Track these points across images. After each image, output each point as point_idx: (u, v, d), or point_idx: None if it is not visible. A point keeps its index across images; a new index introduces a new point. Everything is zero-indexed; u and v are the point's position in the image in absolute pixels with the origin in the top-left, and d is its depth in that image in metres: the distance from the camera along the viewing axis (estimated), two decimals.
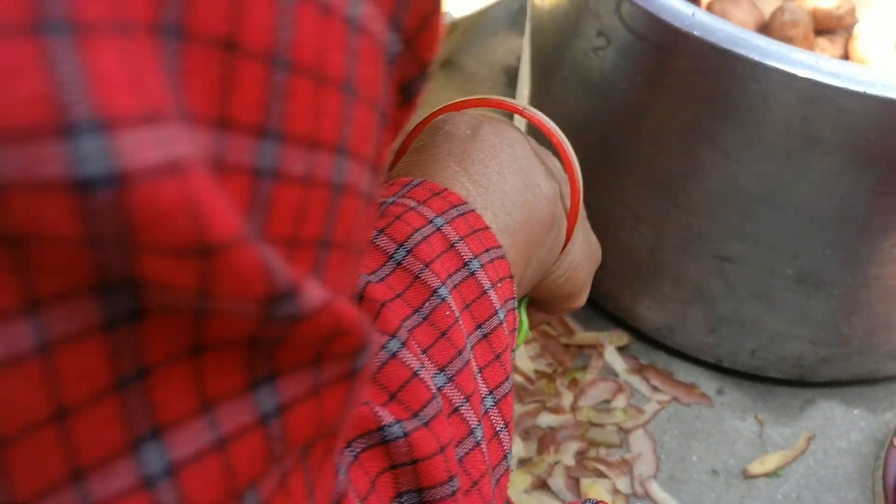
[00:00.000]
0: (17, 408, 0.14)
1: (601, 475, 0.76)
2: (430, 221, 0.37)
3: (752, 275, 0.68)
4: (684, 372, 0.82)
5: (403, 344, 0.32)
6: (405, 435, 0.30)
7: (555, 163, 0.47)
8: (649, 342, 0.84)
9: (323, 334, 0.19)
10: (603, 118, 0.70)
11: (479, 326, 0.37)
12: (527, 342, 0.83)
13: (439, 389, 0.34)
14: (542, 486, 0.75)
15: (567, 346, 0.83)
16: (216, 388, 0.18)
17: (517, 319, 0.40)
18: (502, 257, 0.39)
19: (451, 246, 0.37)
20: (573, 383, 0.81)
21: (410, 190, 0.39)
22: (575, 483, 0.75)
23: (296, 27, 0.16)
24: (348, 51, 0.19)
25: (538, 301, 0.50)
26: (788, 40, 0.91)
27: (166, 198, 0.14)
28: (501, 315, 0.38)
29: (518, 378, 0.81)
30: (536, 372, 0.82)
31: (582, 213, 0.48)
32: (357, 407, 0.24)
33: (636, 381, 0.82)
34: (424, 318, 0.34)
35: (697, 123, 0.62)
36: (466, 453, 0.34)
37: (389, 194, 0.39)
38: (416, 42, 0.23)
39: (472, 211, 0.38)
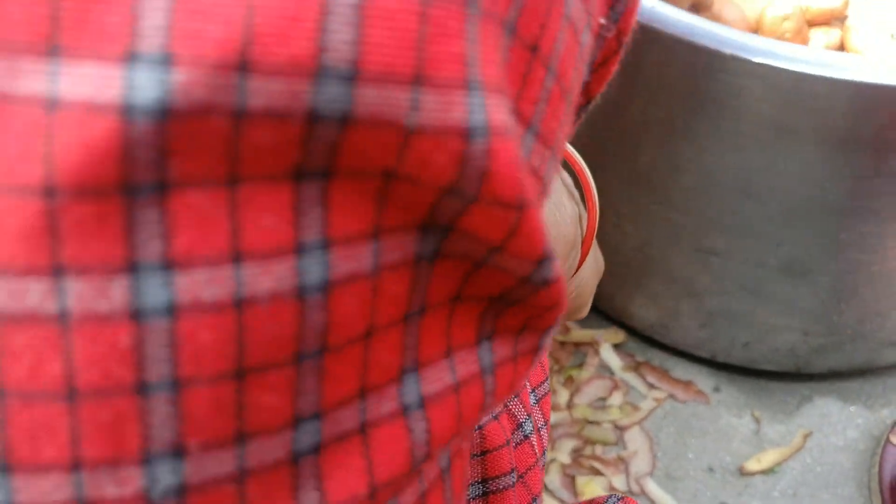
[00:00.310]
0: (344, 320, 0.15)
1: (597, 473, 0.76)
2: None
3: (737, 267, 0.69)
4: (680, 369, 0.83)
5: None
6: (479, 427, 0.31)
7: (573, 186, 0.50)
8: (645, 339, 0.84)
9: (546, 304, 0.19)
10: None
11: None
12: None
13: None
14: None
15: (563, 343, 0.84)
16: (457, 336, 0.19)
17: None
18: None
19: None
20: (569, 381, 0.82)
21: None
22: (571, 481, 0.76)
23: (561, 43, 0.18)
24: (580, 54, 0.20)
25: None
26: (782, 34, 0.92)
27: (509, 154, 0.15)
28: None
29: None
30: None
31: None
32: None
33: (632, 378, 0.82)
34: None
35: (672, 118, 0.63)
36: (515, 446, 0.35)
37: None
38: (622, 22, 0.24)
39: None
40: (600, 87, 0.26)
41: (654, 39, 0.59)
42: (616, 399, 0.81)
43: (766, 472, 0.76)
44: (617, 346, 0.84)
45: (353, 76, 0.13)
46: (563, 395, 0.80)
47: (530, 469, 0.35)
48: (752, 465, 0.77)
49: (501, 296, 0.19)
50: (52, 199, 0.13)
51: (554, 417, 0.79)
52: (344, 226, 0.15)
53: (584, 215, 0.48)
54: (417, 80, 0.14)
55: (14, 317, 0.13)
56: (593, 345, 0.84)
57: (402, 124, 0.14)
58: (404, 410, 0.17)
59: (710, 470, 0.77)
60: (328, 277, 0.15)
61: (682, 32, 0.57)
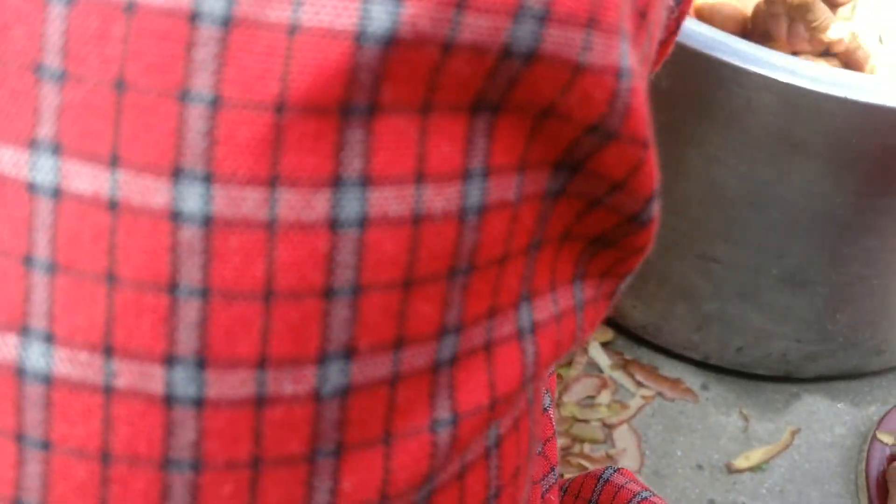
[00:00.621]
0: (490, 243, 0.17)
1: (585, 470, 0.76)
2: None
3: (737, 275, 0.68)
4: (669, 367, 0.82)
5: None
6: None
7: None
8: (634, 338, 0.84)
9: (637, 245, 0.21)
10: None
11: None
12: None
13: None
14: None
15: None
16: (560, 272, 0.20)
17: None
18: None
19: None
20: (557, 379, 0.81)
21: None
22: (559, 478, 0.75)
23: (659, 15, 0.20)
24: (661, 29, 0.21)
25: None
26: (770, 34, 0.90)
27: (643, 95, 0.17)
28: None
29: None
30: None
31: None
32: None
33: (621, 376, 0.82)
34: None
35: (681, 126, 0.62)
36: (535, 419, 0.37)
37: None
38: (684, 4, 0.25)
39: None
40: (657, 66, 0.27)
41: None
42: (604, 397, 0.80)
43: (755, 469, 0.77)
44: (605, 345, 0.83)
45: (546, 16, 0.15)
46: None
47: (549, 440, 0.36)
48: (741, 463, 0.77)
49: (600, 237, 0.20)
50: (281, 114, 0.14)
51: None
52: (501, 157, 0.16)
53: None
54: (590, 23, 0.15)
55: (229, 222, 0.14)
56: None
57: (575, 62, 0.16)
58: (519, 333, 0.19)
59: (699, 467, 0.77)
60: (485, 202, 0.16)
61: (697, 44, 0.55)
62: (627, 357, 0.83)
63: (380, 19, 0.14)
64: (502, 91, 0.16)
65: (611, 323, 0.84)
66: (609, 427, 0.79)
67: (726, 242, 0.66)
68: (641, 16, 0.18)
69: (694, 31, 0.56)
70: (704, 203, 0.64)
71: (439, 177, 0.15)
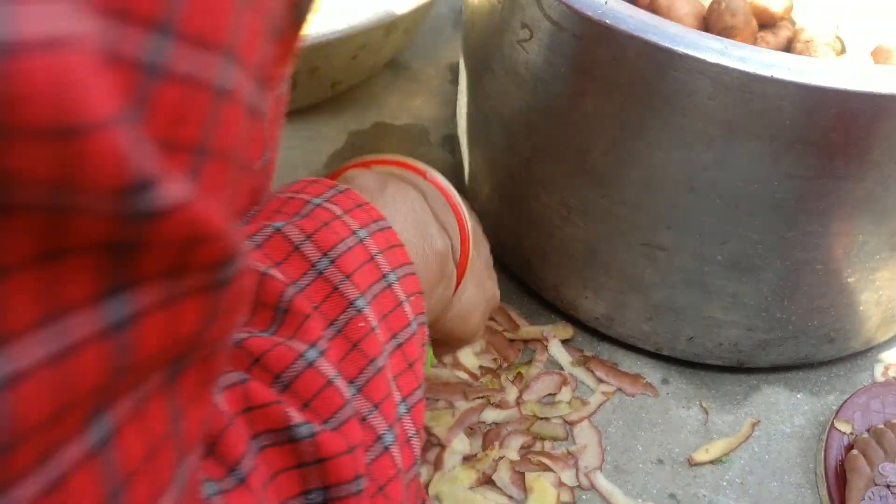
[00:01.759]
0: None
1: (546, 469, 0.76)
2: (354, 233, 0.39)
3: (683, 262, 0.69)
4: (629, 362, 0.83)
5: (322, 353, 0.35)
6: (312, 435, 0.32)
7: (451, 220, 0.51)
8: (594, 334, 0.84)
9: (179, 238, 0.19)
10: (531, 111, 0.70)
11: (394, 336, 0.39)
12: None
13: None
14: (487, 481, 0.75)
15: (512, 341, 0.83)
16: (66, 295, 0.17)
17: (426, 335, 0.43)
18: (413, 273, 0.42)
19: (372, 258, 0.39)
20: (518, 378, 0.81)
21: (336, 195, 0.41)
22: (520, 477, 0.75)
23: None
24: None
25: (433, 339, 0.54)
26: (730, 29, 0.91)
27: (40, 74, 0.14)
28: (414, 326, 0.40)
29: (462, 375, 0.80)
30: (481, 368, 0.81)
31: (480, 262, 0.54)
32: (233, 327, 0.24)
33: (581, 373, 0.82)
34: (338, 331, 0.36)
35: (621, 113, 0.62)
36: (374, 459, 0.36)
37: (315, 193, 0.41)
38: None
39: (390, 228, 0.41)
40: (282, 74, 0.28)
41: (606, 35, 0.58)
42: (565, 394, 0.80)
43: (715, 462, 0.77)
44: (566, 342, 0.84)
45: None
46: (512, 393, 0.80)
47: (391, 480, 0.36)
48: (701, 456, 0.77)
49: (113, 243, 0.18)
50: None
51: (503, 415, 0.78)
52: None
53: (458, 248, 0.51)
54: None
55: None
56: (542, 341, 0.83)
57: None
58: None
59: (660, 462, 0.77)
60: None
61: (634, 29, 0.56)
62: (587, 353, 0.83)
63: None
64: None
65: (568, 317, 0.84)
66: (570, 424, 0.79)
67: (669, 229, 0.66)
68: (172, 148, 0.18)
69: (629, 17, 0.57)
70: (647, 190, 0.65)
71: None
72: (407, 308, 0.40)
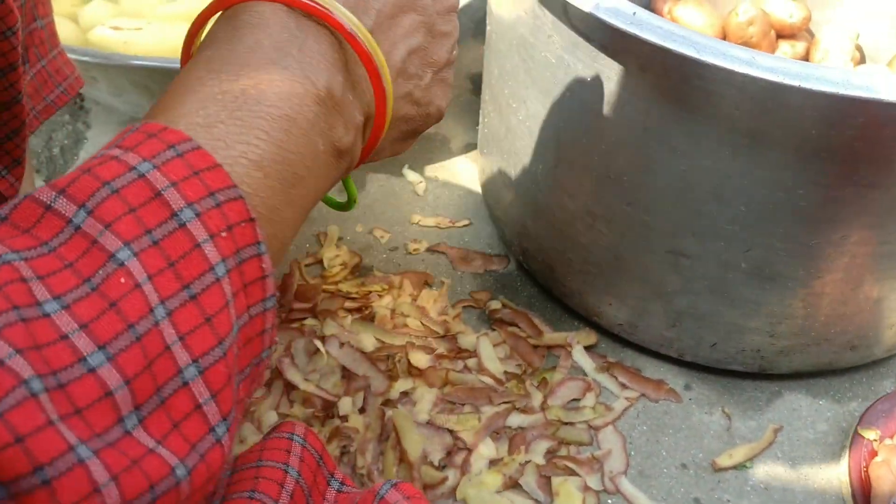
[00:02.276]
0: None
1: (572, 473, 0.77)
2: (132, 169, 0.33)
3: (706, 269, 0.69)
4: (652, 368, 0.83)
5: (64, 308, 0.30)
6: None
7: (362, 72, 0.44)
8: (617, 340, 0.85)
9: None
10: (557, 120, 0.71)
11: (185, 287, 0.33)
12: (496, 344, 0.84)
13: (93, 370, 0.30)
14: (513, 485, 0.76)
15: (536, 346, 0.84)
16: None
17: (264, 266, 0.37)
18: (237, 198, 0.35)
19: (157, 195, 0.33)
20: (542, 383, 0.82)
21: (126, 137, 0.35)
22: (546, 482, 0.76)
23: None
24: None
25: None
26: (748, 41, 0.92)
27: None
28: (221, 271, 0.34)
29: (487, 380, 0.81)
30: (506, 373, 0.82)
31: (406, 89, 0.48)
32: None
33: (605, 379, 0.83)
34: (94, 289, 0.31)
35: (646, 121, 0.63)
36: (116, 440, 0.31)
37: (105, 147, 0.36)
38: None
39: (199, 148, 0.35)
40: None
41: (633, 45, 0.59)
42: (589, 400, 0.81)
43: (738, 467, 0.78)
44: (589, 348, 0.84)
45: None
46: (537, 398, 0.81)
47: (144, 457, 0.31)
48: (724, 461, 0.78)
49: None
50: None
51: (528, 420, 0.79)
52: None
53: (372, 102, 0.46)
54: None
55: None
56: (566, 347, 0.84)
57: None
58: None
59: (683, 466, 0.78)
60: None
61: (662, 39, 0.57)
62: (611, 360, 0.84)
63: None
64: None
65: (591, 323, 0.85)
66: (595, 429, 0.80)
67: (694, 237, 0.67)
68: None
69: (657, 27, 0.58)
70: (671, 198, 0.66)
71: None
72: (209, 249, 0.34)
